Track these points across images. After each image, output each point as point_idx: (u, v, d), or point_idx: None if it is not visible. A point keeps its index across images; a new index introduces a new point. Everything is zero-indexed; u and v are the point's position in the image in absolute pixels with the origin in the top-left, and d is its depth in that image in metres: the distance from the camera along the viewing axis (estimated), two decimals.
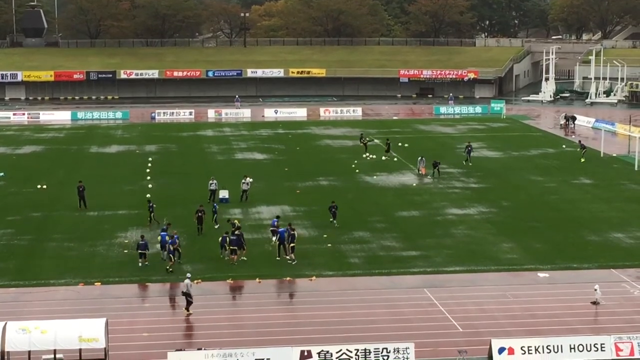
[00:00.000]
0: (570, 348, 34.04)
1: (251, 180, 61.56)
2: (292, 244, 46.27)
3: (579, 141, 78.83)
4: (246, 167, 71.25)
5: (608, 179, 67.76)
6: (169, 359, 32.88)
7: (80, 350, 32.58)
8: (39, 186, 64.83)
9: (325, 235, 51.23)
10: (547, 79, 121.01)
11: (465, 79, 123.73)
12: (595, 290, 40.22)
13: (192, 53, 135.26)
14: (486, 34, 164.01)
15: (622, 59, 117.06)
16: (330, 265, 46.03)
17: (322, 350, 33.46)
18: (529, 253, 48.16)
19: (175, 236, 45.55)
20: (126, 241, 50.15)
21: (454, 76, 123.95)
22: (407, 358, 33.44)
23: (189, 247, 47.74)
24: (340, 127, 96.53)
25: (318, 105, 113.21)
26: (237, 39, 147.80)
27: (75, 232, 52.51)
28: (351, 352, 33.50)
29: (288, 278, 43.91)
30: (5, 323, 32.50)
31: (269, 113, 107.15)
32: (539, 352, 33.82)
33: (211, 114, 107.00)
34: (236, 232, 46.50)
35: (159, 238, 46.85)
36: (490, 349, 34.03)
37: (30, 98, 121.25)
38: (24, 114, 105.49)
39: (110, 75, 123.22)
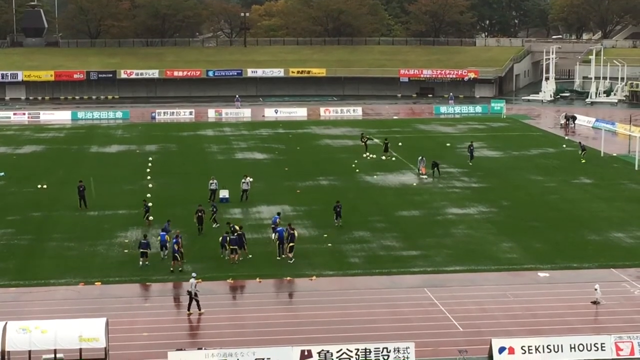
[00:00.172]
0: (571, 348, 34.06)
1: (251, 179, 61.58)
2: (291, 244, 46.27)
3: (579, 142, 78.77)
4: (246, 166, 71.25)
5: (608, 179, 67.75)
6: (169, 359, 32.90)
7: (80, 350, 32.60)
8: (39, 186, 64.84)
9: (325, 235, 51.24)
10: (547, 79, 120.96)
11: (466, 78, 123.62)
12: (596, 289, 40.22)
13: (192, 53, 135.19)
14: (486, 33, 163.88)
15: (622, 59, 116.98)
16: (330, 265, 46.04)
17: (323, 350, 33.48)
18: (529, 253, 48.16)
19: (178, 236, 45.49)
20: (126, 241, 50.17)
21: (454, 76, 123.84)
22: (407, 358, 33.45)
23: (189, 247, 47.68)
24: (341, 126, 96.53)
25: (318, 105, 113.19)
26: (237, 39, 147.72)
27: (76, 231, 52.52)
28: (351, 351, 33.51)
29: (288, 278, 43.95)
30: (6, 323, 32.52)
31: (269, 113, 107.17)
32: (539, 352, 33.83)
33: (211, 113, 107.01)
34: (238, 232, 46.55)
35: (159, 238, 46.92)
36: (490, 349, 34.04)
37: (31, 98, 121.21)
38: (24, 114, 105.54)
39: (111, 75, 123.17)
